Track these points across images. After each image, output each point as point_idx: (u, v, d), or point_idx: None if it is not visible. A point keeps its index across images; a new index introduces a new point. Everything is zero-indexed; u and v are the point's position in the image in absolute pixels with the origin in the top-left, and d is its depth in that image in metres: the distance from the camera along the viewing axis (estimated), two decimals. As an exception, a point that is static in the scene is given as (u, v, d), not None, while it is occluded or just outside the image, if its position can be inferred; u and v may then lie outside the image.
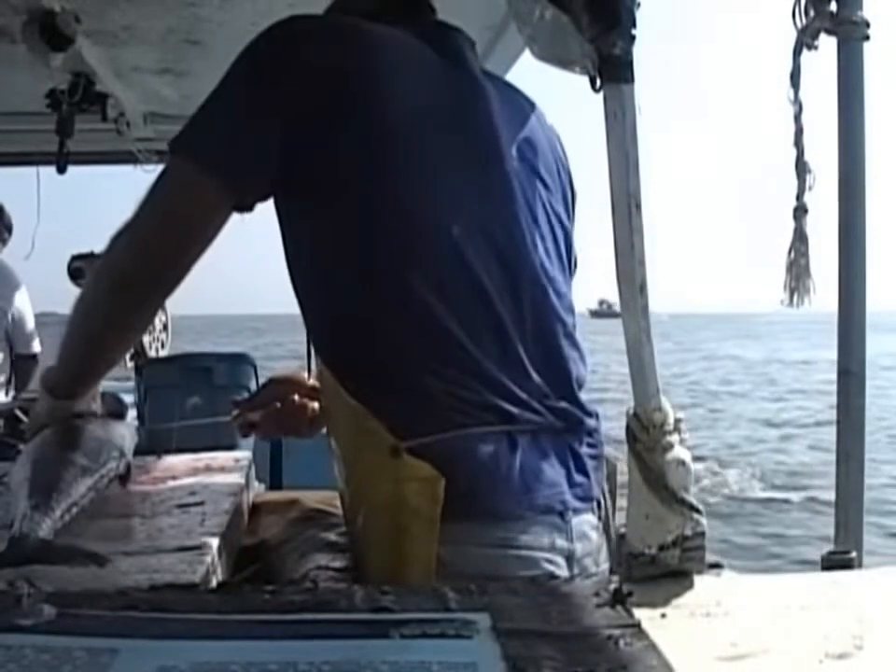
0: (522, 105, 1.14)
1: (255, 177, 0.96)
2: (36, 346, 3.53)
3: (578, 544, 0.95)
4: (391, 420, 0.91)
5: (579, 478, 0.98)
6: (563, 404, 0.99)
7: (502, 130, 1.04)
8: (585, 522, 0.97)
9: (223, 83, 0.98)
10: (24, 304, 3.47)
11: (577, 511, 0.96)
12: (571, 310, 1.07)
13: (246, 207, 0.98)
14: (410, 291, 0.94)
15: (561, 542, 0.93)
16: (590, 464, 1.00)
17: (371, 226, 0.96)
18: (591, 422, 1.02)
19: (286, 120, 0.94)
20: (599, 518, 1.01)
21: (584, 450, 1.00)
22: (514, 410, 0.95)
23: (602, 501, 1.04)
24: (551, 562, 0.92)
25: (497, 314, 0.96)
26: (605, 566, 0.99)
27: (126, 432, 1.17)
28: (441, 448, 0.90)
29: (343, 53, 0.96)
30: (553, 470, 0.95)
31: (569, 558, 0.94)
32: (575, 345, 1.05)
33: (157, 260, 0.99)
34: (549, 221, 1.07)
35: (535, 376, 0.98)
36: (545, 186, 1.08)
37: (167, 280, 1.00)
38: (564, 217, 1.11)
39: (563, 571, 0.92)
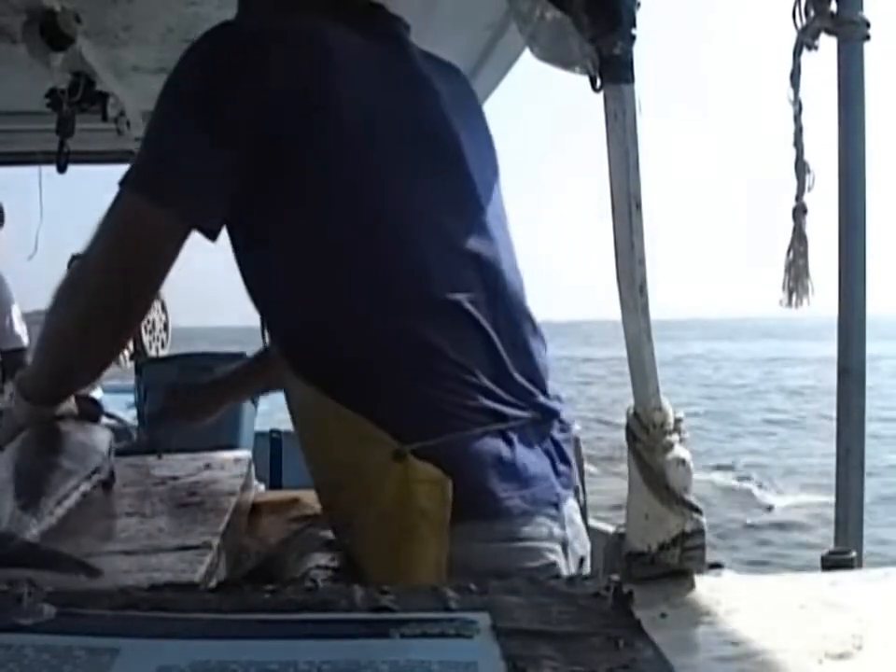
0: (457, 83, 1.14)
1: (213, 210, 0.94)
2: (23, 340, 3.52)
3: (569, 530, 1.00)
4: (391, 426, 0.93)
5: (562, 467, 1.02)
6: (541, 398, 1.03)
7: (456, 127, 1.05)
8: (571, 507, 1.03)
9: (171, 104, 0.94)
10: (8, 298, 3.47)
11: (564, 499, 1.01)
12: (526, 297, 1.09)
13: (212, 234, 0.95)
14: (394, 305, 0.95)
15: (557, 531, 0.97)
16: (567, 450, 1.05)
17: (351, 244, 0.95)
18: (560, 407, 1.06)
19: (245, 147, 0.92)
20: (578, 501, 1.07)
21: (560, 436, 1.05)
22: (505, 410, 0.98)
23: (581, 485, 1.10)
24: (551, 551, 0.96)
25: (480, 323, 0.99)
26: (588, 546, 1.05)
27: (105, 436, 1.16)
28: (444, 450, 0.92)
29: (298, 68, 0.93)
30: (542, 464, 1.00)
31: (564, 545, 0.98)
32: (539, 336, 1.08)
33: (117, 300, 0.97)
34: (502, 213, 1.09)
35: (516, 376, 1.01)
36: (494, 172, 1.10)
37: (130, 317, 1.00)
38: (502, 198, 1.11)
39: (560, 558, 0.96)
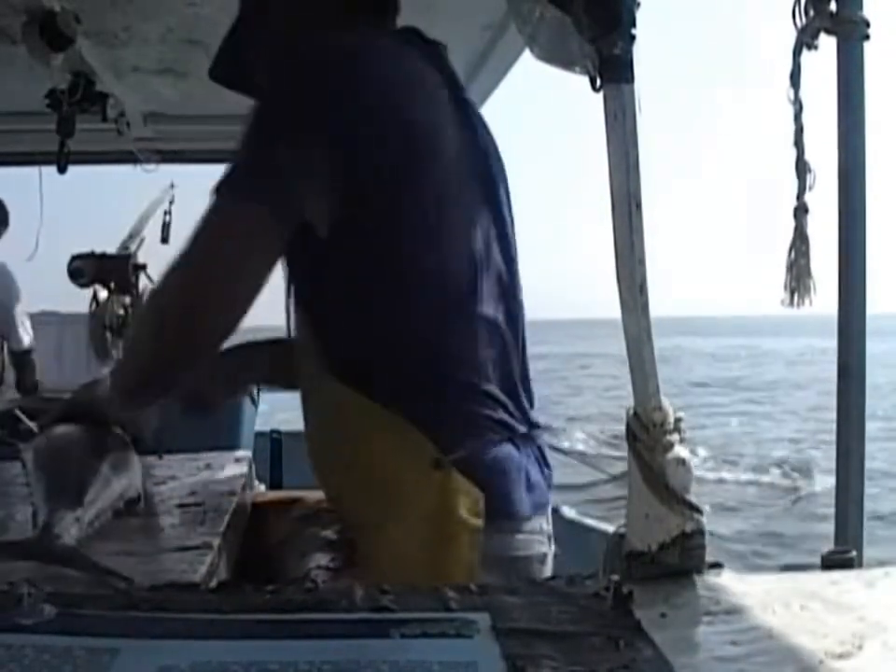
0: (481, 115, 1.17)
1: (309, 215, 0.96)
2: (27, 342, 3.54)
3: (550, 525, 1.12)
4: (431, 435, 0.99)
5: (546, 471, 1.12)
6: (531, 410, 1.12)
7: (493, 161, 1.13)
8: (550, 503, 1.14)
9: (278, 113, 0.96)
10: (16, 300, 3.48)
11: (549, 500, 1.13)
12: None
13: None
14: (444, 322, 1.03)
15: (546, 526, 1.10)
16: (546, 455, 1.14)
17: (412, 264, 1.02)
18: (536, 414, 1.15)
19: (340, 159, 0.95)
20: None
21: (541, 442, 1.14)
22: (514, 422, 1.07)
23: None
24: (542, 542, 1.08)
25: (504, 340, 1.08)
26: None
27: (138, 464, 1.15)
28: (474, 460, 1.01)
29: (393, 89, 1.00)
30: (536, 470, 1.09)
31: (549, 537, 1.10)
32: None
33: (217, 298, 0.96)
34: (516, 243, 1.16)
35: (520, 390, 1.11)
36: (509, 203, 1.16)
37: (227, 318, 0.97)
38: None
39: (546, 548, 1.09)
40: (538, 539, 1.07)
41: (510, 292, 1.10)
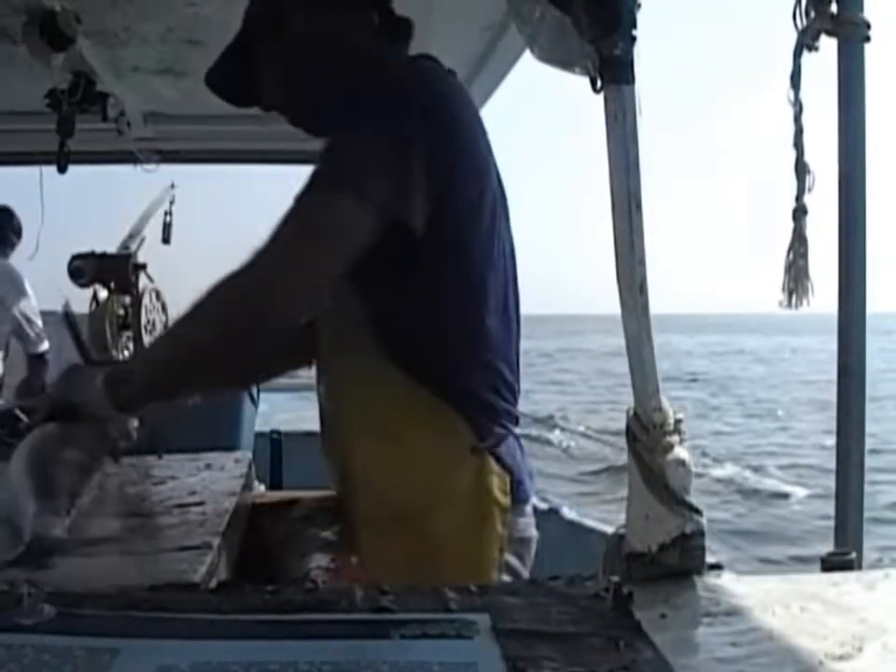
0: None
1: (417, 205, 1.03)
2: (44, 346, 3.55)
3: None
4: (470, 422, 1.10)
5: (528, 461, 1.20)
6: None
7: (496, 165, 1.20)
8: None
9: (391, 127, 1.03)
10: (31, 305, 3.50)
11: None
12: None
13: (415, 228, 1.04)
14: (489, 323, 1.13)
15: (531, 508, 1.19)
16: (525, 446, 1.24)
17: (478, 273, 1.13)
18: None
19: (434, 170, 1.03)
20: None
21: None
22: (515, 412, 1.17)
23: None
24: (533, 523, 1.18)
25: (516, 342, 1.19)
26: None
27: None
28: (500, 448, 1.11)
29: (473, 117, 1.13)
30: (527, 459, 1.19)
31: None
32: None
33: (307, 286, 1.02)
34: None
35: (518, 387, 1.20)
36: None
37: (307, 307, 1.05)
38: None
39: (535, 529, 1.19)
40: (533, 522, 1.18)
41: (516, 294, 1.20)
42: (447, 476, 1.10)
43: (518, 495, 1.13)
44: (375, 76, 1.09)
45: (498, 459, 1.11)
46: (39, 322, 3.59)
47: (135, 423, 1.24)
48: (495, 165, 1.17)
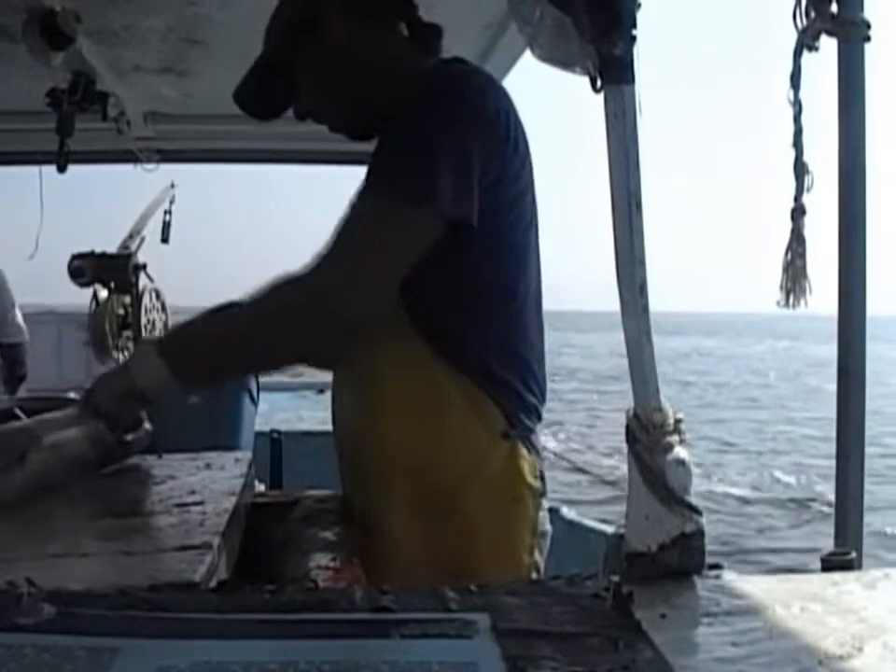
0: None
1: (469, 206, 1.08)
2: (25, 335, 3.58)
3: None
4: (502, 411, 1.14)
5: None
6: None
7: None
8: None
9: (450, 133, 1.08)
10: (5, 293, 3.51)
11: None
12: None
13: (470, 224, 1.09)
14: (527, 319, 1.19)
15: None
16: None
17: (517, 271, 1.17)
18: None
19: (488, 170, 1.09)
20: None
21: None
22: (541, 409, 1.22)
23: None
24: (547, 518, 1.22)
25: (543, 339, 1.23)
26: None
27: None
28: (530, 439, 1.17)
29: (518, 123, 1.16)
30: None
31: None
32: None
33: (372, 289, 1.07)
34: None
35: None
36: None
37: (371, 310, 1.08)
38: None
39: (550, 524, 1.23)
40: (549, 517, 1.22)
41: (541, 294, 1.24)
42: (480, 456, 1.14)
43: (542, 487, 1.18)
44: (426, 82, 1.14)
45: (528, 447, 1.16)
46: (16, 310, 3.61)
47: (148, 425, 1.25)
48: (531, 164, 1.21)
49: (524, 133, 1.18)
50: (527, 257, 1.19)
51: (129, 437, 1.23)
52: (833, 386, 1.01)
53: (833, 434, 1.01)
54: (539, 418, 1.21)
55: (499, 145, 1.12)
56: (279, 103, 1.28)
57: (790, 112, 0.89)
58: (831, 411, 1.01)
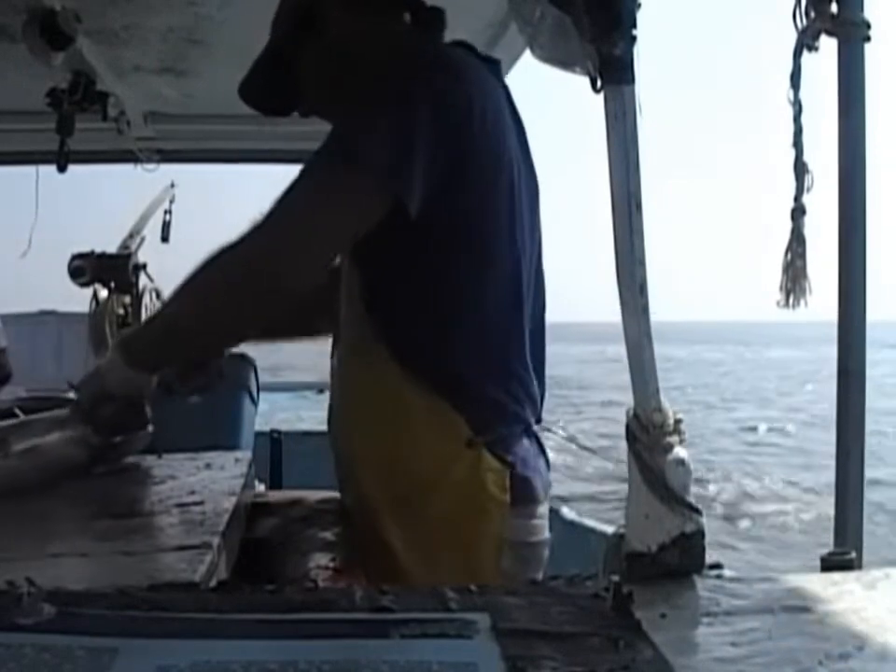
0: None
1: (415, 185, 1.03)
2: (2, 341, 3.58)
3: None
4: (465, 416, 1.09)
5: (545, 456, 1.20)
6: (542, 398, 1.21)
7: (533, 169, 1.21)
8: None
9: (392, 104, 1.05)
10: None
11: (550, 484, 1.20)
12: None
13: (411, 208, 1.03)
14: (491, 320, 1.12)
15: (546, 510, 1.18)
16: (544, 443, 1.22)
17: (482, 265, 1.11)
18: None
19: (440, 151, 1.03)
20: None
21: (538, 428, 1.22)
22: (531, 412, 1.17)
23: None
24: (545, 526, 1.17)
25: (535, 337, 1.18)
26: None
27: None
28: (501, 444, 1.10)
29: (488, 104, 1.10)
30: (542, 456, 1.19)
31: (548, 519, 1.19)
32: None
33: (307, 255, 1.03)
34: (541, 245, 1.23)
35: (536, 385, 1.18)
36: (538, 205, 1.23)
37: (308, 276, 1.05)
38: None
39: (547, 531, 1.17)
40: (546, 524, 1.17)
41: (539, 291, 1.20)
42: (445, 464, 1.09)
43: (528, 493, 1.12)
44: (392, 64, 1.11)
45: (498, 456, 1.09)
46: None
47: (150, 428, 1.25)
48: (525, 161, 1.17)
49: (511, 129, 1.13)
50: (500, 255, 1.12)
51: (118, 438, 1.22)
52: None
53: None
54: (523, 422, 1.15)
55: (463, 137, 1.06)
56: (285, 98, 1.26)
57: (789, 112, 0.89)
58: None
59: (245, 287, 1.04)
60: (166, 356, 1.14)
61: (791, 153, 0.89)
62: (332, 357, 1.27)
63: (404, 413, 1.10)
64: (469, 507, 1.08)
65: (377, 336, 1.11)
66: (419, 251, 1.09)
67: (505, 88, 1.20)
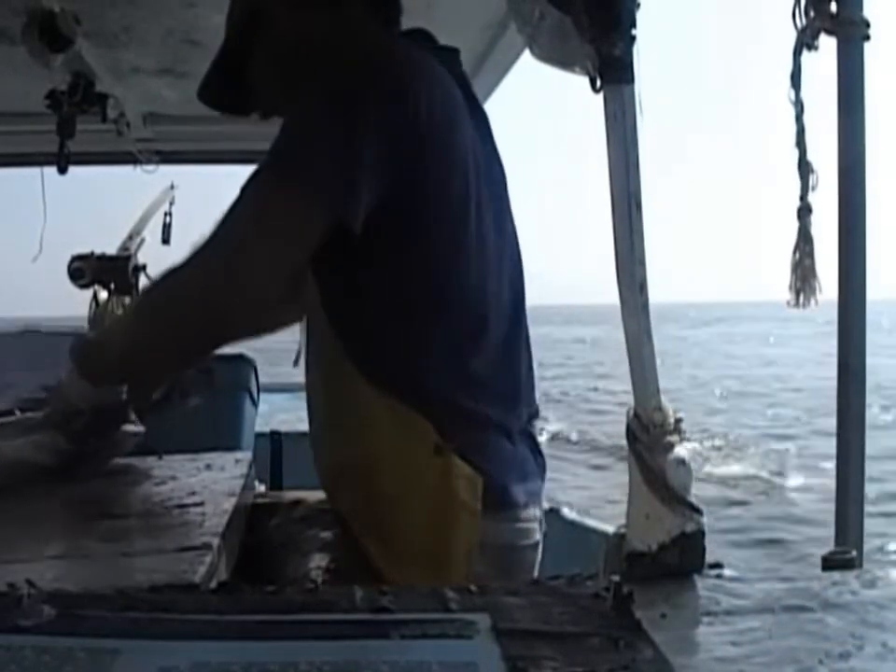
0: (486, 115, 1.21)
1: (355, 205, 0.99)
2: None
3: (541, 509, 1.17)
4: (435, 424, 1.05)
5: (539, 459, 1.18)
6: (533, 403, 1.19)
7: (499, 161, 1.18)
8: (542, 491, 1.19)
9: (325, 104, 1.00)
10: None
11: (542, 487, 1.18)
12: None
13: (353, 228, 1.00)
14: (454, 325, 1.09)
15: (538, 513, 1.14)
16: (539, 442, 1.20)
17: (436, 267, 1.08)
18: (535, 403, 1.21)
19: (386, 159, 0.99)
20: None
21: (534, 430, 1.20)
22: (513, 417, 1.13)
23: None
24: (535, 531, 1.13)
25: (512, 341, 1.14)
26: None
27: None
28: (474, 449, 1.06)
29: (436, 104, 1.04)
30: (531, 459, 1.15)
31: (539, 522, 1.15)
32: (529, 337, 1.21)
33: (250, 288, 1.00)
34: (517, 236, 1.20)
35: (523, 385, 1.17)
36: (508, 198, 1.21)
37: (255, 306, 1.03)
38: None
39: (539, 535, 1.14)
40: (533, 528, 1.12)
41: (518, 293, 1.17)
42: (416, 472, 1.06)
43: (504, 499, 1.08)
44: (338, 65, 1.06)
45: (470, 462, 1.05)
46: None
47: (139, 428, 1.25)
48: (487, 151, 1.13)
49: (454, 119, 1.07)
50: (457, 256, 1.08)
51: (92, 443, 1.20)
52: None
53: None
54: (498, 426, 1.10)
55: (407, 130, 1.01)
56: (241, 98, 1.24)
57: (789, 111, 0.89)
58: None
59: (187, 307, 1.02)
60: (118, 376, 1.11)
61: (795, 153, 0.89)
62: (298, 364, 1.28)
63: (371, 422, 1.08)
64: (440, 514, 1.05)
65: (339, 346, 1.09)
66: (371, 261, 1.06)
67: (463, 77, 1.16)
